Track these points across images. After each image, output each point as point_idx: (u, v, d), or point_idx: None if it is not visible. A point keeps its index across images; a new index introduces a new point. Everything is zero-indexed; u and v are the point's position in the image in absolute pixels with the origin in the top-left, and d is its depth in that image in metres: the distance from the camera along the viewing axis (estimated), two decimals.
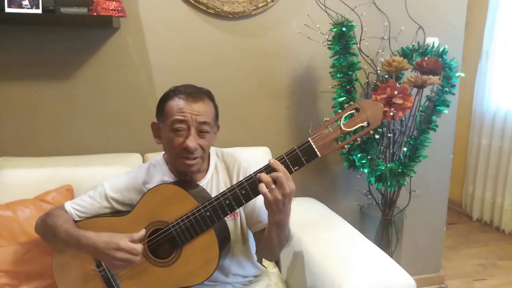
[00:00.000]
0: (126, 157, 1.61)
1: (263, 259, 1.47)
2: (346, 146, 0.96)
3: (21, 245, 1.31)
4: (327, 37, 1.65)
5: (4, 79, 1.59)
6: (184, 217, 1.02)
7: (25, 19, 1.43)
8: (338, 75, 1.63)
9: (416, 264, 2.15)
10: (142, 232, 1.04)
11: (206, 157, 1.14)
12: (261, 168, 0.96)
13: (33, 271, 1.31)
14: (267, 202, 0.95)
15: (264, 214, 1.15)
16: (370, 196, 1.89)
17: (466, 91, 2.94)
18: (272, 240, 1.05)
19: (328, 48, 1.64)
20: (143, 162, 1.59)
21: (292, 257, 1.44)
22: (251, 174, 0.99)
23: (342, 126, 0.95)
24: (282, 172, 0.93)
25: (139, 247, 1.01)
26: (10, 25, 1.54)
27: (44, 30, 1.57)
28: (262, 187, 0.93)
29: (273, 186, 0.93)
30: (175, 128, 1.05)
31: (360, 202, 1.98)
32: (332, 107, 1.73)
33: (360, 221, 1.97)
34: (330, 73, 1.67)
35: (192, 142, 1.04)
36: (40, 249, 1.32)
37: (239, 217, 1.19)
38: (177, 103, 1.06)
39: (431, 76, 1.55)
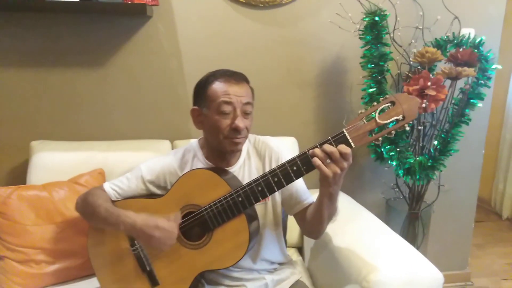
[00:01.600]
0: (156, 143, 1.64)
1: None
2: (379, 138, 0.95)
3: (56, 225, 1.37)
4: (358, 26, 1.62)
5: (41, 66, 1.65)
6: (216, 202, 1.04)
7: (62, 7, 1.48)
8: (369, 66, 1.61)
9: (442, 260, 2.10)
10: (178, 214, 1.07)
11: (247, 137, 1.16)
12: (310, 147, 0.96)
13: (67, 250, 1.37)
14: (323, 176, 0.95)
15: (303, 194, 1.18)
16: (397, 190, 1.87)
17: (500, 85, 2.83)
18: (323, 213, 1.05)
19: (359, 38, 1.62)
20: (172, 149, 1.62)
21: (316, 247, 1.45)
22: (284, 162, 0.99)
23: (377, 119, 0.94)
24: (345, 152, 0.93)
25: (175, 227, 1.04)
26: (49, 13, 1.59)
27: (81, 18, 1.62)
28: (317, 161, 0.93)
29: (328, 160, 0.94)
30: (222, 111, 1.07)
31: (387, 195, 1.95)
32: (362, 98, 1.70)
33: (385, 215, 1.95)
34: (360, 63, 1.65)
35: (241, 122, 1.06)
36: (74, 229, 1.38)
37: (270, 201, 1.20)
38: (221, 86, 1.08)
39: (466, 68, 1.50)
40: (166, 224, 1.04)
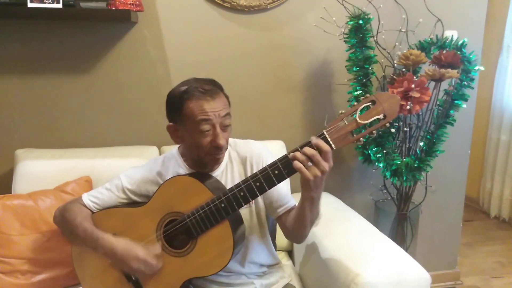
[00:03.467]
0: (143, 149, 1.64)
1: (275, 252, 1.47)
2: (361, 139, 0.95)
3: (42, 234, 1.36)
4: (343, 30, 1.63)
5: (25, 73, 1.63)
6: (199, 209, 1.03)
7: (46, 13, 1.46)
8: (354, 69, 1.62)
9: (431, 260, 2.12)
10: (158, 247, 1.07)
11: (227, 147, 1.16)
12: (296, 147, 0.95)
13: (53, 259, 1.35)
14: (304, 180, 0.94)
15: (284, 198, 1.16)
16: (385, 191, 1.88)
17: (486, 86, 2.87)
18: (305, 217, 1.04)
19: (344, 41, 1.63)
20: (160, 155, 1.61)
21: (306, 250, 1.45)
22: (265, 166, 0.99)
23: (357, 119, 0.93)
24: (325, 149, 0.92)
25: (154, 260, 1.05)
26: (32, 19, 1.58)
27: (64, 25, 1.61)
28: (297, 164, 0.92)
29: (309, 164, 0.93)
30: (201, 130, 1.04)
31: (375, 197, 1.97)
32: (348, 101, 1.72)
33: (374, 216, 1.96)
34: (346, 66, 1.66)
35: (222, 140, 1.05)
36: (60, 238, 1.36)
37: (253, 205, 1.20)
38: (197, 104, 1.03)
39: (449, 70, 1.52)
40: (147, 256, 1.04)
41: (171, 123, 1.13)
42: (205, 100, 1.04)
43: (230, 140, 1.23)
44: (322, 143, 0.92)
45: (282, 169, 0.97)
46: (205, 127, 1.04)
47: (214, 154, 1.08)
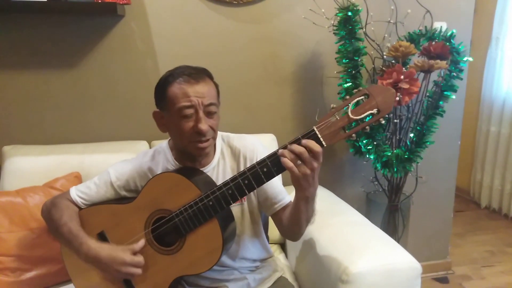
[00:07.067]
0: (133, 144, 1.62)
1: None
2: (353, 135, 0.91)
3: (31, 231, 1.34)
4: (332, 22, 1.63)
5: (11, 68, 1.60)
6: (187, 207, 1.01)
7: (30, 7, 1.44)
8: (343, 61, 1.62)
9: (423, 251, 2.15)
10: (142, 242, 1.05)
11: (216, 137, 1.12)
12: (275, 150, 0.93)
13: (44, 256, 1.34)
14: (295, 178, 0.91)
15: (278, 195, 1.14)
16: (376, 183, 1.89)
17: (475, 77, 2.89)
18: (301, 216, 1.02)
19: (333, 33, 1.63)
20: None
21: (298, 242, 1.45)
22: (254, 164, 0.96)
23: (349, 114, 0.87)
24: (315, 150, 0.89)
25: (141, 258, 1.04)
26: (16, 13, 1.55)
27: (50, 18, 1.58)
28: (287, 162, 0.89)
29: (299, 162, 0.89)
30: (183, 114, 1.02)
31: (367, 189, 1.98)
32: (338, 93, 1.72)
33: (366, 208, 1.97)
34: (335, 58, 1.66)
35: (204, 124, 1.01)
36: (50, 234, 1.34)
37: (246, 202, 1.18)
38: (180, 87, 1.02)
39: (438, 61, 1.53)
40: (133, 259, 1.02)
41: (157, 110, 1.11)
42: (188, 83, 1.02)
43: (224, 134, 1.21)
44: (312, 144, 0.89)
45: (271, 166, 0.94)
46: (188, 112, 1.02)
47: (197, 141, 1.04)
